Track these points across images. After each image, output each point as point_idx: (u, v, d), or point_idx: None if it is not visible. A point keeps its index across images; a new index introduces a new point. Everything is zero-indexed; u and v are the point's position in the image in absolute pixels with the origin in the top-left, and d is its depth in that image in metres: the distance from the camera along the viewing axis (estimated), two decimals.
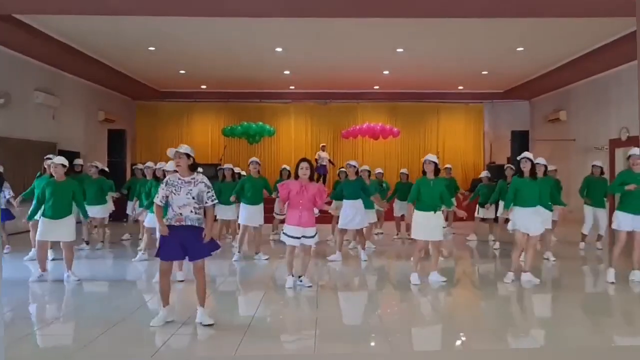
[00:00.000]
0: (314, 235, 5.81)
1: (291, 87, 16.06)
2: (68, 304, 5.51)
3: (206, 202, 4.40)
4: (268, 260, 7.66)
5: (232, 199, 7.80)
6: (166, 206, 4.45)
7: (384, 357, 3.96)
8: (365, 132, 14.94)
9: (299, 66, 13.13)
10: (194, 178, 4.41)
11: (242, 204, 7.72)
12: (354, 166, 7.89)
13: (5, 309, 4.76)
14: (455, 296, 5.91)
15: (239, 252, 7.71)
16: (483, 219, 9.59)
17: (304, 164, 5.76)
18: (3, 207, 7.88)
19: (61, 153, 10.74)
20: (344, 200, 7.76)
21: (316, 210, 6.18)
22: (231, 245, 8.98)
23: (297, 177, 5.81)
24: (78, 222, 8.31)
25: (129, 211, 9.80)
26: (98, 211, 8.83)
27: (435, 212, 6.04)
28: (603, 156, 11.85)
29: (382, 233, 10.71)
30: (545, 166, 7.22)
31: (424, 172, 6.17)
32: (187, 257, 4.45)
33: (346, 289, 6.17)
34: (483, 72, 13.70)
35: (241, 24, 9.55)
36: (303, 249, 5.94)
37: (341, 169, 9.44)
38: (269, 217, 9.38)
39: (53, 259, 7.24)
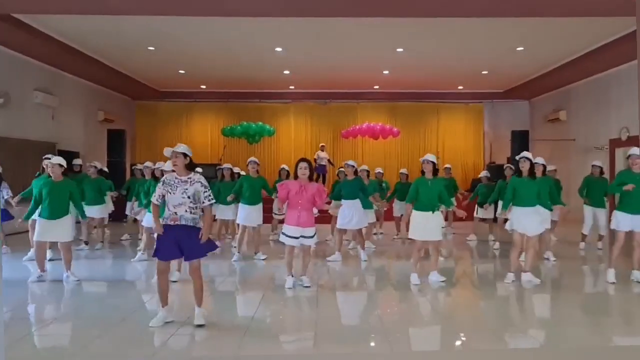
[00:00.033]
0: (313, 236, 5.80)
1: (291, 87, 16.05)
2: (67, 305, 5.50)
3: (203, 202, 4.39)
4: (265, 260, 7.64)
5: (229, 198, 7.79)
6: (164, 205, 4.44)
7: (383, 357, 3.95)
8: (365, 132, 14.94)
9: (298, 66, 13.12)
10: (190, 177, 4.39)
11: (240, 204, 7.71)
12: (352, 166, 7.87)
13: (4, 310, 4.75)
14: (455, 296, 5.90)
15: (238, 252, 7.70)
16: (482, 219, 9.59)
17: (303, 164, 5.75)
18: (2, 207, 7.87)
19: (60, 153, 10.75)
20: (342, 200, 7.75)
21: (315, 210, 6.17)
22: (231, 245, 8.99)
23: (296, 177, 5.80)
24: (77, 222, 8.33)
25: (128, 211, 9.80)
26: (97, 211, 8.83)
27: (433, 212, 6.02)
28: (603, 156, 11.85)
29: (382, 233, 10.70)
30: (544, 165, 7.21)
31: (423, 172, 6.16)
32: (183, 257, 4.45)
33: (346, 289, 6.15)
34: (483, 72, 13.70)
35: (241, 24, 9.55)
36: (302, 249, 5.94)
37: (340, 169, 9.43)
38: (268, 217, 9.36)
39: (52, 259, 7.22)
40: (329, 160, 14.82)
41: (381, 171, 10.60)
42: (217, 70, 13.71)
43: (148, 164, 8.16)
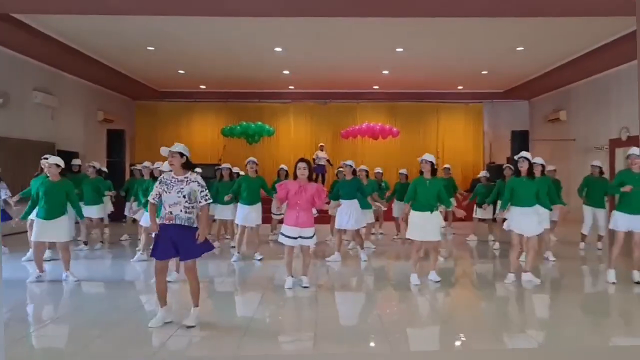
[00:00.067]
0: (312, 236, 5.79)
1: (290, 87, 16.05)
2: (66, 305, 5.49)
3: (200, 202, 4.38)
4: (262, 260, 7.60)
5: (226, 198, 7.79)
6: (161, 205, 4.43)
7: (383, 357, 3.94)
8: (365, 132, 14.93)
9: (298, 66, 13.12)
10: (187, 177, 4.38)
11: (239, 204, 7.70)
12: (350, 166, 7.86)
13: (3, 310, 4.74)
14: (455, 296, 5.89)
15: (238, 252, 7.69)
16: (481, 219, 9.59)
17: (302, 164, 5.74)
18: (1, 207, 7.86)
19: (60, 153, 10.74)
20: (340, 200, 7.73)
21: (315, 211, 6.16)
22: (229, 245, 8.98)
23: (295, 177, 5.80)
24: (77, 223, 8.32)
25: (127, 212, 9.79)
26: (95, 211, 8.82)
27: (431, 212, 6.01)
28: (603, 156, 11.84)
29: (382, 233, 10.69)
30: (543, 165, 7.20)
31: (422, 172, 6.15)
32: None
33: (345, 289, 6.15)
34: (483, 72, 13.69)
35: (241, 24, 9.54)
36: (302, 249, 5.93)
37: (339, 169, 9.42)
38: (267, 217, 9.36)
39: (51, 259, 7.21)
40: (328, 160, 14.80)
41: (380, 171, 10.59)
42: (216, 70, 13.70)
43: (146, 163, 8.15)
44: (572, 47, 11.10)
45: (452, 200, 7.69)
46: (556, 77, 13.27)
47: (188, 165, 4.44)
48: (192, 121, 17.04)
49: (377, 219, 10.34)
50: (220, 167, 9.28)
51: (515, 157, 6.33)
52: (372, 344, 4.19)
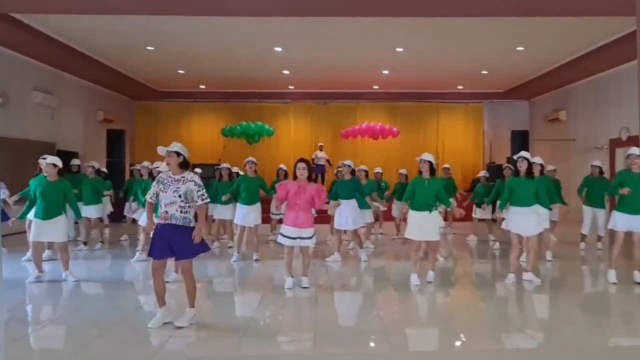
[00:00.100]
0: (312, 237, 5.77)
1: (290, 87, 16.04)
2: (66, 305, 5.49)
3: (197, 201, 4.36)
4: (259, 261, 7.57)
5: (224, 197, 7.79)
6: (159, 204, 4.43)
7: (383, 357, 3.94)
8: (365, 132, 14.93)
9: (298, 66, 13.11)
10: (184, 176, 4.36)
11: (238, 204, 7.69)
12: (349, 166, 7.84)
13: (3, 310, 4.73)
14: (456, 297, 5.89)
15: (237, 252, 7.68)
16: (480, 219, 9.59)
17: (301, 164, 5.73)
18: (0, 207, 7.84)
19: (60, 153, 10.72)
20: (340, 200, 7.72)
21: (313, 211, 6.15)
22: (227, 245, 8.96)
23: (295, 177, 5.79)
24: (76, 223, 8.31)
25: (126, 212, 9.78)
26: (94, 211, 8.80)
27: (430, 212, 6.00)
28: (603, 156, 11.83)
29: (382, 233, 10.69)
30: (542, 165, 7.20)
31: (421, 172, 6.15)
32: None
33: (345, 289, 6.14)
34: (483, 72, 13.69)
35: (241, 23, 9.53)
36: (302, 250, 5.92)
37: (338, 169, 9.40)
38: (267, 217, 9.34)
39: (50, 260, 7.20)
40: (327, 160, 14.79)
41: (380, 171, 10.58)
42: (216, 70, 13.69)
43: (146, 163, 8.15)
44: (572, 47, 11.09)
45: (452, 200, 7.67)
46: (556, 77, 13.26)
47: (185, 165, 4.42)
48: (192, 121, 17.03)
49: (376, 219, 10.33)
50: (219, 167, 9.26)
51: (515, 157, 6.33)
52: (372, 344, 4.19)
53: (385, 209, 10.36)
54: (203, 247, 4.43)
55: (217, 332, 4.35)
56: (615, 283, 6.04)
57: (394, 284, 6.43)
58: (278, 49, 11.45)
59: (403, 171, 10.37)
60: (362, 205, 7.96)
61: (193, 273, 4.47)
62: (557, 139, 14.41)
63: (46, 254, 7.16)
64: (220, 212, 8.72)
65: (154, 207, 4.53)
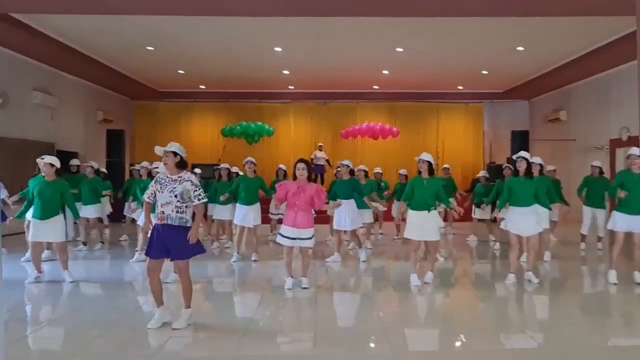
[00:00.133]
0: (311, 237, 5.76)
1: (290, 87, 16.03)
2: (65, 305, 5.48)
3: (193, 201, 4.34)
4: (257, 262, 7.54)
5: (222, 197, 7.78)
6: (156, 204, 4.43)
7: (383, 358, 3.94)
8: (365, 132, 14.92)
9: (298, 66, 13.11)
10: (180, 176, 4.35)
11: (237, 204, 7.69)
12: (347, 166, 7.83)
13: (3, 311, 4.73)
14: (456, 297, 5.88)
15: (237, 252, 7.67)
16: (480, 220, 9.58)
17: (301, 165, 5.73)
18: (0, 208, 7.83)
19: (59, 153, 10.73)
20: (339, 200, 7.70)
21: (313, 211, 6.14)
22: (225, 246, 8.95)
23: (294, 177, 5.79)
24: (76, 223, 8.30)
25: (126, 212, 9.77)
26: (93, 211, 8.77)
27: (429, 212, 5.99)
28: (603, 156, 11.82)
29: (382, 234, 10.68)
30: (541, 165, 7.20)
31: (420, 172, 6.15)
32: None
33: (345, 289, 6.14)
34: (483, 72, 13.67)
35: (241, 23, 9.52)
36: (301, 250, 5.91)
37: (338, 169, 9.40)
38: (266, 218, 9.33)
39: (49, 260, 7.19)
40: (327, 160, 14.77)
41: (380, 171, 10.57)
42: (216, 70, 13.68)
43: (144, 164, 8.15)
44: (572, 47, 11.08)
45: (452, 200, 7.66)
46: (556, 77, 13.25)
47: (182, 165, 4.40)
48: (191, 121, 17.02)
49: (376, 220, 10.32)
50: (218, 167, 9.25)
51: (514, 157, 6.33)
52: (372, 345, 4.18)
53: (385, 209, 10.35)
54: (199, 249, 4.40)
55: (216, 332, 4.34)
56: (615, 283, 6.03)
57: (394, 284, 6.42)
58: (278, 49, 11.44)
59: (403, 171, 10.36)
60: (361, 206, 7.94)
61: (189, 274, 4.45)
62: (557, 139, 14.40)
63: (45, 254, 7.15)
64: (219, 212, 8.71)
65: (152, 207, 4.52)
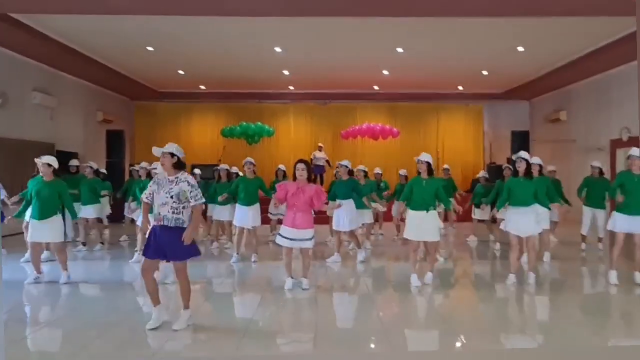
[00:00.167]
0: (311, 238, 5.75)
1: (290, 88, 16.02)
2: (65, 306, 5.47)
3: (190, 202, 4.32)
4: (256, 262, 7.52)
5: (220, 198, 7.76)
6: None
7: (384, 358, 3.93)
8: (365, 133, 14.91)
9: (298, 66, 13.10)
10: (177, 177, 4.33)
11: (237, 205, 7.68)
12: (346, 166, 7.82)
13: (2, 311, 4.72)
14: (456, 297, 5.87)
15: (237, 253, 7.65)
16: (480, 220, 9.56)
17: (300, 165, 5.72)
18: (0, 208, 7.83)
19: (59, 154, 10.71)
20: (339, 201, 7.69)
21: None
22: (224, 247, 8.93)
23: (294, 178, 5.78)
24: (76, 223, 8.29)
25: (126, 212, 9.76)
26: (92, 211, 8.76)
27: (427, 212, 5.98)
28: (603, 156, 11.81)
29: (382, 234, 10.67)
30: (540, 165, 7.20)
31: (419, 172, 6.14)
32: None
33: (345, 290, 6.13)
34: (483, 72, 13.67)
35: (240, 23, 9.52)
36: (301, 251, 5.89)
37: (337, 169, 9.39)
38: (266, 218, 9.32)
39: (49, 260, 7.17)
40: (327, 161, 14.75)
41: (380, 172, 10.56)
42: (216, 71, 13.67)
43: (144, 164, 8.14)
44: (572, 47, 11.07)
45: (452, 200, 7.65)
46: (556, 77, 13.24)
47: (180, 166, 4.38)
48: (191, 122, 17.02)
49: (376, 220, 10.31)
50: (218, 168, 9.24)
51: (513, 157, 6.32)
52: (372, 345, 4.17)
53: (385, 209, 10.34)
54: (194, 251, 4.36)
55: (216, 333, 4.33)
56: (616, 284, 6.01)
57: (394, 285, 6.41)
58: (278, 49, 11.43)
59: (403, 172, 10.34)
60: (360, 206, 7.93)
61: (187, 274, 4.43)
62: (557, 139, 14.39)
63: (45, 255, 7.14)
64: (218, 212, 8.70)
65: (149, 207, 4.51)
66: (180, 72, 13.83)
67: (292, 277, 5.84)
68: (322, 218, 8.94)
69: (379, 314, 5.05)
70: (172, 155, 4.32)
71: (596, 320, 4.95)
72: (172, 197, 4.25)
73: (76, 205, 8.16)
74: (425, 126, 16.99)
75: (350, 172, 7.94)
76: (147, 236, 4.44)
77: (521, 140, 14.10)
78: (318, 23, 9.34)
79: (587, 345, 4.16)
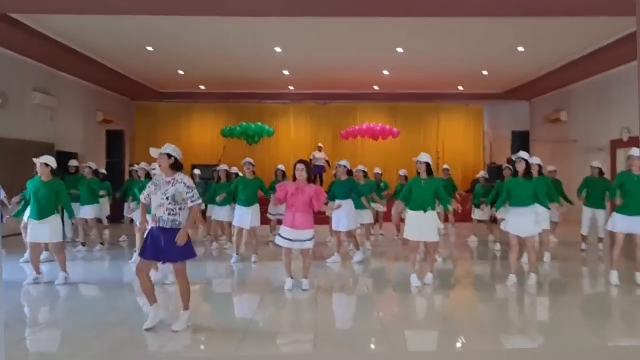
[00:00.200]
0: (311, 239, 5.73)
1: (290, 88, 16.01)
2: (64, 307, 5.46)
3: (187, 203, 4.30)
4: (256, 263, 7.50)
5: (218, 198, 7.75)
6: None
7: (384, 358, 3.92)
8: (365, 133, 14.90)
9: (298, 66, 13.09)
10: (174, 178, 4.31)
11: (236, 205, 7.67)
12: (344, 166, 7.81)
13: (1, 312, 4.71)
14: (456, 298, 5.87)
15: (236, 253, 7.65)
16: (479, 220, 9.56)
17: (300, 166, 5.72)
18: None
19: (59, 154, 10.71)
20: (338, 201, 7.68)
21: None
22: (224, 247, 8.92)
23: (294, 178, 5.78)
24: (72, 223, 8.28)
25: (125, 212, 9.75)
26: (90, 211, 8.74)
27: (425, 212, 5.97)
28: (603, 156, 11.80)
29: (381, 234, 10.66)
30: (540, 165, 7.19)
31: (419, 172, 6.14)
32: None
33: (345, 290, 6.12)
34: (483, 72, 13.66)
35: (240, 23, 9.51)
36: (302, 251, 5.88)
37: (336, 170, 9.38)
38: (266, 218, 9.31)
39: (48, 261, 7.17)
40: (327, 161, 14.73)
41: (379, 172, 10.56)
42: (216, 71, 13.66)
43: (142, 164, 8.13)
44: (572, 47, 11.06)
45: (452, 201, 7.65)
46: (556, 77, 13.23)
47: (177, 166, 4.36)
48: (191, 122, 17.01)
49: (376, 220, 10.30)
50: (217, 168, 9.24)
51: (513, 157, 6.32)
52: (372, 346, 4.16)
53: (385, 209, 10.33)
54: (189, 253, 4.32)
55: (216, 333, 4.32)
56: (617, 284, 6.00)
57: (394, 285, 6.41)
58: (278, 49, 11.42)
59: (403, 172, 10.34)
60: (359, 206, 7.92)
61: (187, 275, 4.41)
62: (557, 139, 14.38)
63: (44, 255, 7.13)
64: (217, 213, 8.69)
65: (148, 208, 4.50)
66: (180, 72, 13.82)
67: (291, 278, 5.83)
68: (322, 218, 8.92)
69: (379, 314, 5.05)
70: (169, 156, 4.31)
71: (596, 320, 4.95)
72: (167, 198, 4.23)
73: (75, 205, 8.16)
74: (425, 126, 16.98)
75: (349, 172, 7.92)
76: (144, 237, 4.44)
77: (521, 141, 14.10)
78: (318, 23, 9.33)
79: (587, 345, 4.15)
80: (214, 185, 9.10)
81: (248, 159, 7.87)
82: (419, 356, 4.03)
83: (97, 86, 14.39)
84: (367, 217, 8.70)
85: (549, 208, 6.57)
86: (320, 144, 15.36)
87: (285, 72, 13.76)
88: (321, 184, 13.44)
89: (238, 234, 7.72)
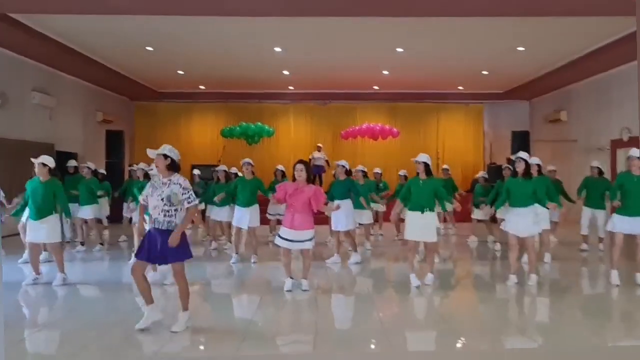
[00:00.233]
0: (311, 239, 5.73)
1: (290, 88, 16.01)
2: (63, 307, 5.45)
3: (183, 204, 4.28)
4: (255, 263, 7.49)
5: (216, 198, 7.74)
6: None
7: (384, 358, 3.92)
8: (365, 133, 14.90)
9: (298, 66, 13.08)
10: (170, 179, 4.29)
11: (235, 206, 7.66)
12: (343, 166, 7.80)
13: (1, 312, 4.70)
14: (456, 298, 5.86)
15: (236, 254, 7.64)
16: (479, 220, 9.55)
17: (299, 166, 5.71)
18: None
19: (59, 154, 10.71)
20: (337, 202, 7.66)
21: None
22: (223, 247, 8.91)
23: (294, 179, 5.77)
24: (73, 224, 8.27)
25: (125, 212, 9.75)
26: (90, 211, 8.73)
27: (422, 212, 5.96)
28: (604, 156, 11.79)
29: (381, 234, 10.65)
30: (539, 165, 7.18)
31: (418, 173, 6.14)
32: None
33: (345, 291, 6.11)
34: (483, 72, 13.65)
35: (240, 23, 9.50)
36: (302, 252, 5.87)
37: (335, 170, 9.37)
38: (266, 219, 9.30)
39: (47, 261, 7.16)
40: (327, 161, 14.71)
41: (379, 172, 10.55)
42: (216, 71, 13.66)
43: (141, 165, 8.13)
44: (572, 47, 11.06)
45: (452, 201, 7.64)
46: (556, 77, 13.22)
47: (173, 167, 4.34)
48: (191, 122, 17.00)
49: (376, 220, 10.30)
50: (216, 169, 9.24)
51: (512, 158, 6.32)
52: (372, 346, 4.16)
53: (385, 209, 10.33)
54: (184, 254, 4.30)
55: (215, 334, 4.32)
56: (618, 285, 6.00)
57: (394, 285, 6.40)
58: (278, 49, 11.42)
59: (403, 172, 10.33)
60: (358, 206, 7.91)
61: (185, 276, 4.40)
62: (557, 139, 14.37)
63: (43, 255, 7.12)
64: (216, 213, 8.69)
65: (146, 208, 4.50)
66: (180, 72, 13.81)
67: (291, 278, 5.82)
68: (322, 218, 8.91)
69: (379, 315, 5.04)
70: (166, 157, 4.29)
71: (596, 320, 4.94)
72: (162, 199, 4.22)
73: (75, 205, 8.16)
74: (425, 126, 16.97)
75: (348, 172, 7.91)
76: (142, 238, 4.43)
77: (521, 141, 14.08)
78: (318, 23, 9.32)
79: (587, 345, 4.15)
80: (213, 185, 9.09)
81: (247, 160, 7.85)
82: (419, 356, 4.02)
83: (97, 86, 14.38)
84: (366, 217, 8.69)
85: (547, 208, 6.56)
86: (319, 144, 15.35)
87: (285, 72, 13.76)
88: (321, 184, 13.42)
89: (236, 234, 7.71)
